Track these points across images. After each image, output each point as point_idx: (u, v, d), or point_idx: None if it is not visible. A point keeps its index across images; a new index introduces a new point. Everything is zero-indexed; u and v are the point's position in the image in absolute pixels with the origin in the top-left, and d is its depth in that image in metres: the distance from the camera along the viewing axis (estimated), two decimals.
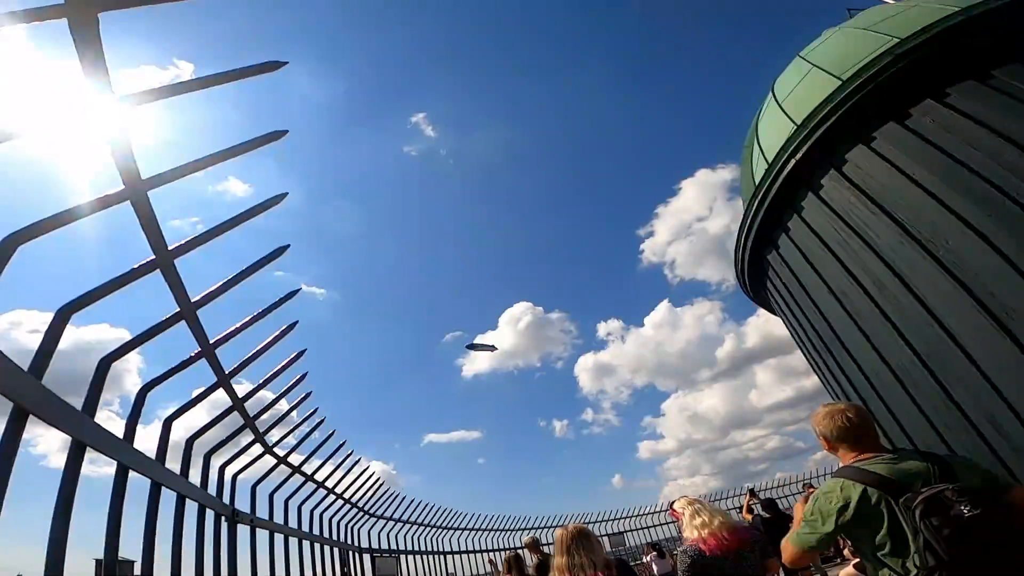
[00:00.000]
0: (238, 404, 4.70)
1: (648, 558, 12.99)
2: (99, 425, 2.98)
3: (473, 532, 18.72)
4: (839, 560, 9.01)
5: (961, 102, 3.88)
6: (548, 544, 18.84)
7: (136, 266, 2.92)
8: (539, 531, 20.57)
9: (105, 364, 3.16)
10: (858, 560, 6.05)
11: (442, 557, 17.30)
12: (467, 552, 18.35)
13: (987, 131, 3.67)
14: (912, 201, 4.00)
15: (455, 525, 17.63)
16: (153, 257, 2.97)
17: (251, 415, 5.14)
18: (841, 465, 2.05)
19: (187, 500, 4.31)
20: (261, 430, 5.71)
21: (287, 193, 3.38)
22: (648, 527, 21.27)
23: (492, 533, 19.71)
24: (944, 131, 3.90)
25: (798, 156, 4.99)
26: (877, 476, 1.82)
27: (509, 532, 20.33)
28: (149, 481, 3.70)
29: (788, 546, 2.14)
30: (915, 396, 4.24)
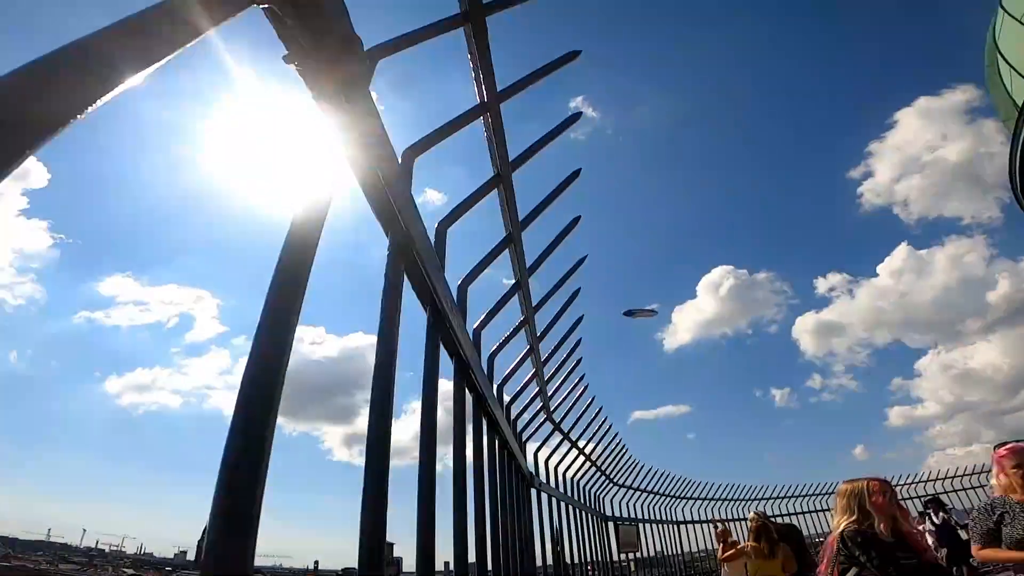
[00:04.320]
0: (539, 370, 5.15)
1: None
2: None
3: (703, 502, 18.33)
4: None
5: None
6: (779, 515, 17.76)
7: (485, 182, 2.94)
8: (774, 501, 19.44)
9: (442, 229, 2.78)
10: None
11: (675, 527, 17.29)
12: (699, 522, 18.07)
13: None
14: None
15: (686, 495, 17.45)
16: (495, 172, 2.98)
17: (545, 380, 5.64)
18: None
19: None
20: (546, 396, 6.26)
21: (581, 113, 3.51)
22: (914, 498, 18.69)
23: (722, 503, 19.09)
24: None
25: None
26: None
27: (740, 502, 19.48)
28: None
29: None
30: None
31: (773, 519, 7.40)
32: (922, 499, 16.60)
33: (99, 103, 0.64)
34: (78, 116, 0.61)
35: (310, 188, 1.32)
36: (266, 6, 1.10)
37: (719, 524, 16.15)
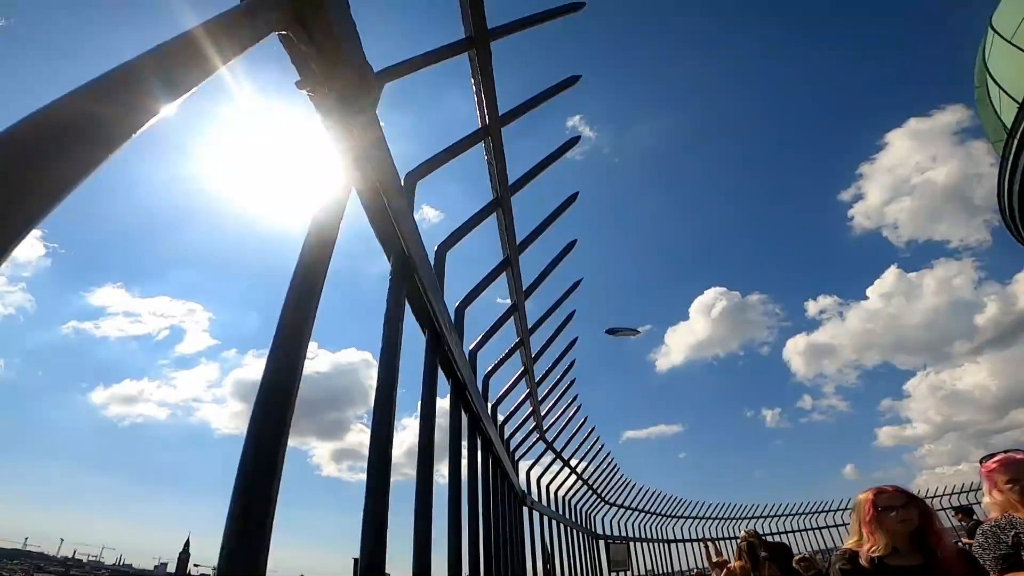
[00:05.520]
0: (534, 391, 5.16)
1: None
2: None
3: (694, 521, 18.28)
4: None
5: None
6: (770, 534, 17.67)
7: (485, 205, 2.97)
8: (765, 520, 19.39)
9: (442, 251, 2.72)
10: None
11: (666, 545, 17.20)
12: (689, 541, 17.99)
13: None
14: None
15: (676, 514, 17.40)
16: (495, 196, 3.00)
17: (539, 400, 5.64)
18: None
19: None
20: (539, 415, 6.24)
21: (580, 136, 3.57)
22: None
23: (714, 522, 19.05)
24: None
25: None
26: None
27: (731, 521, 19.44)
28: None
29: None
30: None
31: (764, 537, 7.30)
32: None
33: (134, 137, 0.63)
34: (114, 150, 0.60)
35: (320, 212, 1.33)
36: (284, 32, 1.12)
37: (709, 544, 16.03)
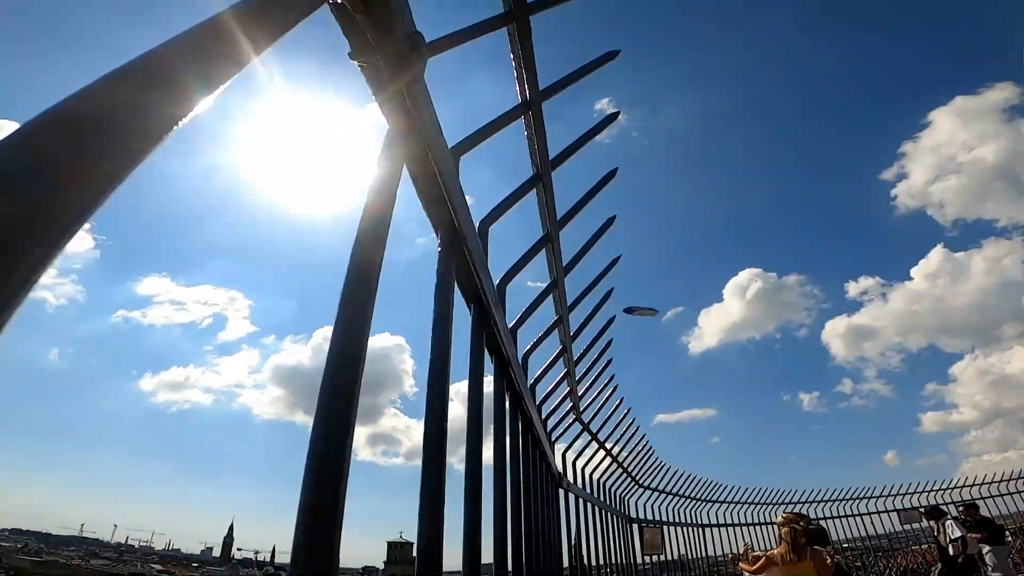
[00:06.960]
0: (571, 370, 5.15)
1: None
2: None
3: (728, 505, 18.09)
4: None
5: None
6: (817, 518, 17.38)
7: (526, 180, 2.92)
8: (802, 506, 19.04)
9: (484, 227, 2.67)
10: None
11: (699, 530, 17.09)
12: (723, 525, 17.84)
13: None
14: None
15: (710, 498, 17.24)
16: (535, 172, 2.95)
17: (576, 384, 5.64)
18: None
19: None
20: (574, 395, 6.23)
21: (619, 112, 3.51)
22: (948, 503, 18.15)
23: (749, 507, 18.79)
24: None
25: None
26: None
27: (767, 506, 19.15)
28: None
29: None
30: None
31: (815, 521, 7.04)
32: (956, 505, 15.86)
33: (185, 120, 0.52)
34: (160, 141, 0.49)
35: (375, 184, 1.32)
36: (339, 0, 1.10)
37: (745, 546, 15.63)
